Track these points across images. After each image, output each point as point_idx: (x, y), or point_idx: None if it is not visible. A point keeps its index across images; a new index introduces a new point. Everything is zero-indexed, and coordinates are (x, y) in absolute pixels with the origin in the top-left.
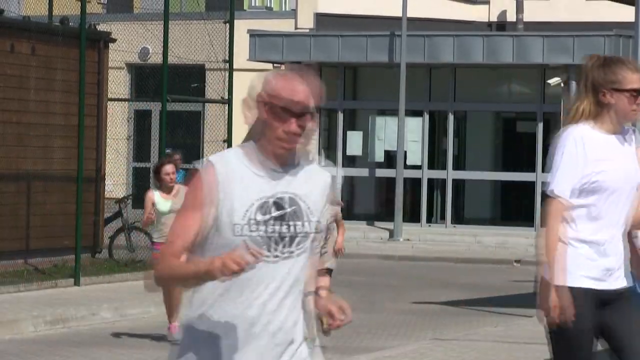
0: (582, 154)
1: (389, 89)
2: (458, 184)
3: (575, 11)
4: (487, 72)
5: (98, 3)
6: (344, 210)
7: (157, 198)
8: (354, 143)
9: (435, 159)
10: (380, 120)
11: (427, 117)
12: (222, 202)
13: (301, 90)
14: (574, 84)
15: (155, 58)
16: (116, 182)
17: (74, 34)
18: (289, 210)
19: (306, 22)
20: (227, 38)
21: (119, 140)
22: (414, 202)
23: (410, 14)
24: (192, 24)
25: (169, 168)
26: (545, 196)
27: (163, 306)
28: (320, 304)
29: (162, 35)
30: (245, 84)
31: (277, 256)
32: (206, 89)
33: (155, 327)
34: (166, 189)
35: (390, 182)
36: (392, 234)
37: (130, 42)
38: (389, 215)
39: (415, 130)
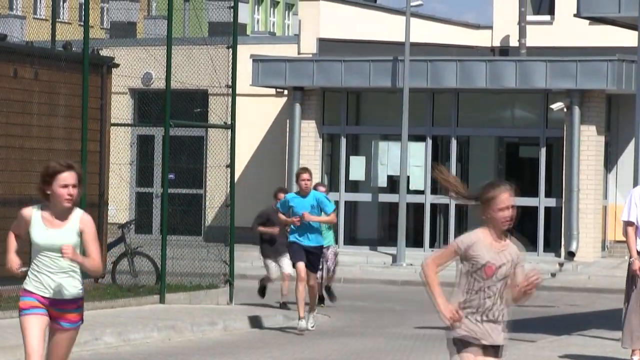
0: None
1: (392, 113)
2: (461, 209)
3: (578, 36)
4: (490, 97)
5: (101, 28)
6: (347, 235)
7: (35, 219)
8: (357, 168)
9: (438, 184)
10: (383, 145)
11: (430, 142)
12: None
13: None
14: (576, 109)
15: (158, 83)
16: (119, 207)
17: (77, 59)
18: None
19: (309, 47)
20: (230, 63)
21: (121, 166)
22: (417, 227)
23: (413, 39)
24: (195, 49)
25: (68, 177)
26: None
27: (165, 331)
28: None
29: (165, 61)
30: (248, 109)
31: None
32: (209, 114)
33: (158, 352)
34: (56, 209)
35: (393, 207)
36: (395, 259)
37: (133, 67)
38: (392, 240)
39: (418, 155)
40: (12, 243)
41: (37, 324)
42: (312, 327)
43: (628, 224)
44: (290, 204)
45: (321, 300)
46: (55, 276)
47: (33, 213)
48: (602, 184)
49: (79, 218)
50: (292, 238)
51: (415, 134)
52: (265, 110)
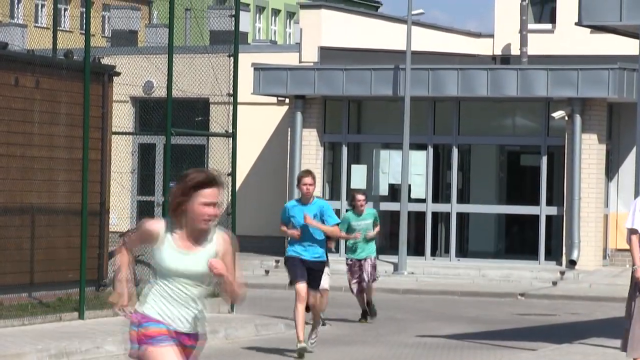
0: None
1: (393, 122)
2: (462, 218)
3: (579, 44)
4: (491, 105)
5: (102, 36)
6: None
7: (166, 239)
8: (358, 176)
9: (440, 192)
10: (384, 154)
11: (431, 150)
12: None
13: None
14: (577, 117)
15: (160, 91)
16: (120, 215)
17: (78, 67)
18: None
19: (310, 55)
20: (232, 71)
21: (123, 174)
22: (418, 235)
23: (414, 48)
24: (197, 57)
25: (212, 194)
26: None
27: None
28: None
29: (167, 69)
30: (249, 118)
31: None
32: (210, 122)
33: None
34: (191, 229)
35: (395, 215)
36: (396, 267)
37: (134, 76)
38: (393, 249)
39: (420, 163)
40: (125, 264)
41: (176, 357)
42: (313, 343)
43: (632, 231)
44: (290, 213)
45: (365, 315)
46: (182, 308)
47: (163, 230)
48: (604, 192)
49: (218, 239)
50: (290, 251)
51: (417, 142)
52: (267, 119)
